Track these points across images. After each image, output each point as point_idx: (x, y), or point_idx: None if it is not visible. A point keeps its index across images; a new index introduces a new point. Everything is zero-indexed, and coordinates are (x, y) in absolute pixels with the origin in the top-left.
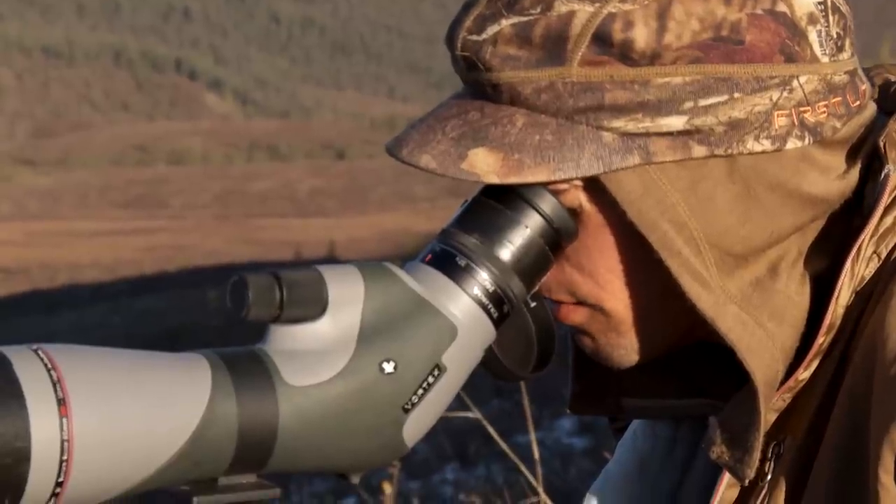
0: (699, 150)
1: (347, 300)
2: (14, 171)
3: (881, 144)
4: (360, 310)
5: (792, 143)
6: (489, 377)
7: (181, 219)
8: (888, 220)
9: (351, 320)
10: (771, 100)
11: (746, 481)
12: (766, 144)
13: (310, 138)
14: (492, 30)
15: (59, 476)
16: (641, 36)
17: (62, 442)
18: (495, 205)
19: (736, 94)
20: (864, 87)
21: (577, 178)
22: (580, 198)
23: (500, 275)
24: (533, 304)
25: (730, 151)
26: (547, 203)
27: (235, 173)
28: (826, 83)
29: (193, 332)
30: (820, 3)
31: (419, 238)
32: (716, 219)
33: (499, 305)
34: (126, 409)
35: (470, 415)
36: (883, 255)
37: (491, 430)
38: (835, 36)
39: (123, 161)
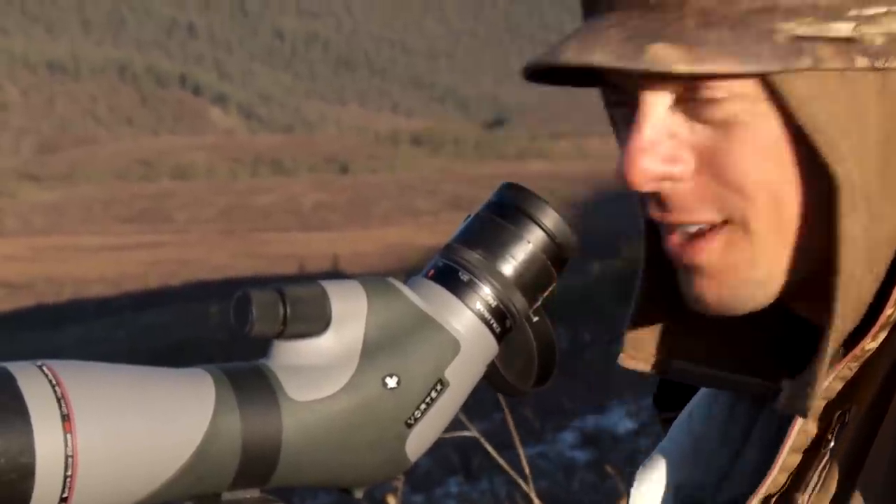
0: (861, 61)
1: (351, 315)
2: (19, 187)
3: None
4: (364, 325)
5: None
6: (492, 389)
7: (185, 233)
8: None
9: (354, 335)
10: None
11: (806, 414)
12: None
13: (314, 153)
14: None
15: (63, 492)
16: None
17: (66, 458)
18: (498, 220)
19: (893, 8)
20: None
21: (758, 73)
22: (735, 108)
23: (503, 290)
24: (535, 319)
25: (887, 65)
26: (549, 218)
27: (240, 188)
28: None
29: (198, 346)
30: None
31: (422, 252)
32: (868, 133)
33: (501, 320)
34: (130, 425)
35: (468, 433)
36: None
37: (487, 445)
38: None
39: (128, 176)
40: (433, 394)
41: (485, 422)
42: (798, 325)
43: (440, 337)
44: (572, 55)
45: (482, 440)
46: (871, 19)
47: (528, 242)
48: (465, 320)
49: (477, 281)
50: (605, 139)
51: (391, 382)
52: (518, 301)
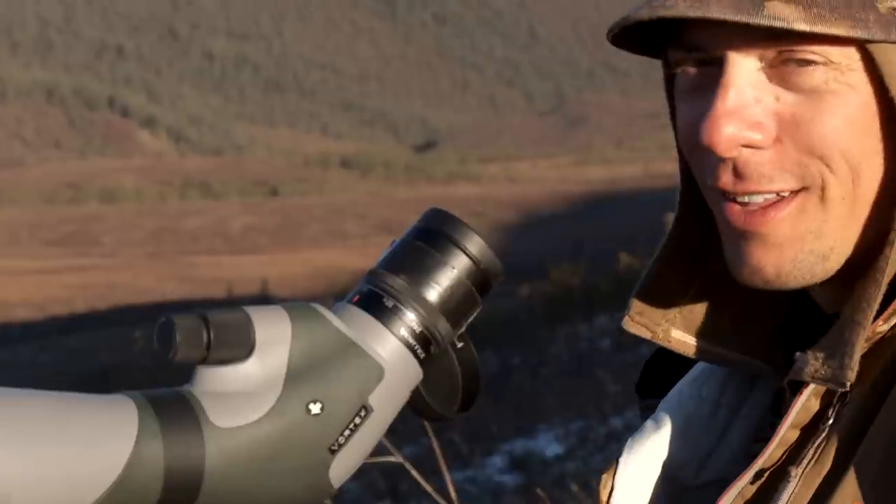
0: None
1: (275, 341)
2: None
3: None
4: (288, 351)
5: None
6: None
7: (113, 257)
8: None
9: (278, 361)
10: None
11: (848, 385)
12: None
13: (243, 175)
14: None
15: None
16: None
17: None
18: (423, 246)
19: None
20: None
21: (865, 41)
22: (826, 76)
23: (427, 316)
24: (459, 345)
25: None
26: (474, 244)
27: (168, 211)
28: None
29: (124, 370)
30: None
31: (352, 275)
32: None
33: (426, 346)
34: (51, 452)
35: (392, 459)
36: None
37: (413, 472)
38: None
39: (55, 199)
40: (357, 420)
41: (413, 446)
42: (804, 313)
43: (364, 363)
44: (686, 7)
45: (408, 466)
46: None
47: (453, 268)
48: (390, 346)
49: (401, 307)
50: (533, 163)
51: (315, 408)
52: (442, 327)
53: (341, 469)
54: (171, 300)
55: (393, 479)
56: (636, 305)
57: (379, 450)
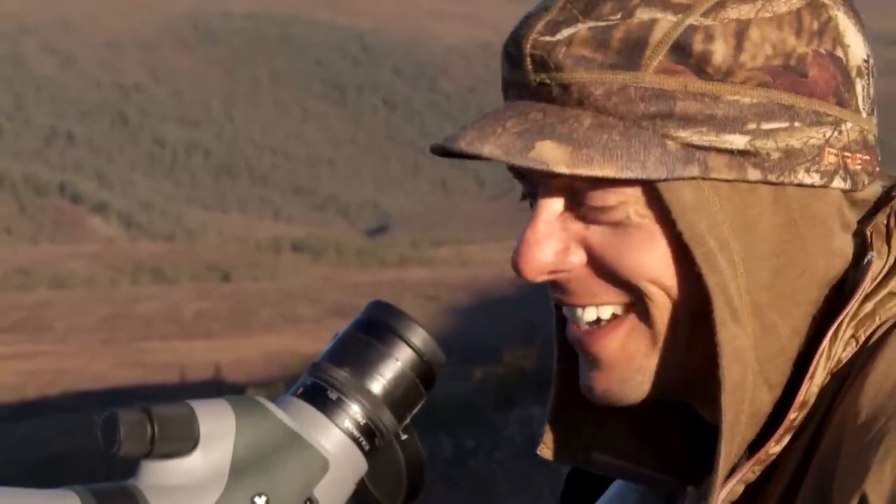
0: (753, 174)
1: (219, 435)
2: None
3: (868, 233)
4: (232, 444)
5: (837, 183)
6: None
7: (65, 342)
8: (868, 307)
9: (222, 455)
10: (824, 136)
11: None
12: (816, 178)
13: (195, 261)
14: (567, 32)
15: None
16: (720, 51)
17: None
18: (366, 338)
19: (796, 124)
20: (878, 159)
21: (641, 180)
22: (628, 211)
23: (372, 408)
24: (404, 437)
25: (781, 179)
26: (417, 336)
27: (120, 296)
28: (863, 137)
29: (77, 457)
30: (865, 61)
31: (304, 359)
32: (755, 245)
33: (370, 438)
34: None
35: None
36: (861, 340)
37: None
38: (871, 97)
39: (5, 285)
40: None
41: None
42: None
43: (309, 455)
44: (465, 144)
45: None
46: (769, 134)
47: (397, 360)
48: (334, 438)
49: (345, 399)
50: (484, 246)
51: (260, 502)
52: (387, 419)
53: None
54: (124, 386)
55: None
56: (549, 433)
57: None
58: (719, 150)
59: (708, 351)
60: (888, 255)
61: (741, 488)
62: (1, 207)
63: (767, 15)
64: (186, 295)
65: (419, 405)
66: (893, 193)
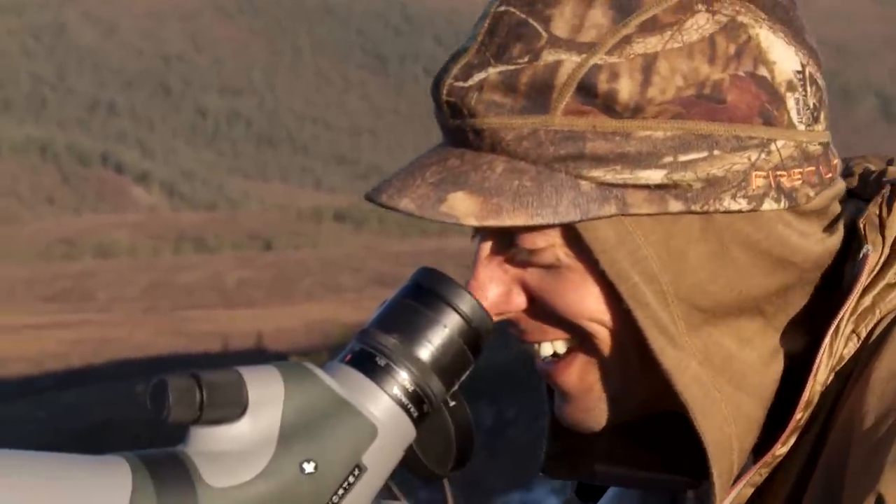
0: (675, 205)
1: (267, 401)
2: None
3: (861, 226)
4: (280, 410)
5: (768, 205)
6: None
7: (108, 312)
8: (867, 300)
9: (271, 421)
10: (749, 160)
11: None
12: (743, 204)
13: (237, 230)
14: (478, 77)
15: None
16: (626, 88)
17: None
18: (414, 305)
19: (715, 152)
20: (836, 161)
21: (554, 225)
22: (557, 253)
23: (420, 374)
24: (452, 403)
25: (706, 208)
26: (465, 303)
27: (163, 265)
28: (801, 151)
29: (121, 425)
30: (799, 73)
31: (346, 328)
32: (686, 273)
33: (418, 405)
34: None
35: None
36: (863, 335)
37: None
38: (811, 106)
39: (50, 255)
40: (351, 479)
41: (410, 499)
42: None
43: (357, 422)
44: (386, 198)
45: None
46: (687, 165)
47: (445, 327)
48: (382, 405)
49: (394, 366)
50: None
51: (308, 468)
52: (435, 385)
53: None
54: (166, 355)
55: None
56: (550, 453)
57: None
58: (636, 187)
59: (662, 376)
60: (883, 246)
61: (749, 491)
62: (44, 178)
63: (676, 45)
64: (228, 264)
65: (467, 372)
66: (884, 181)
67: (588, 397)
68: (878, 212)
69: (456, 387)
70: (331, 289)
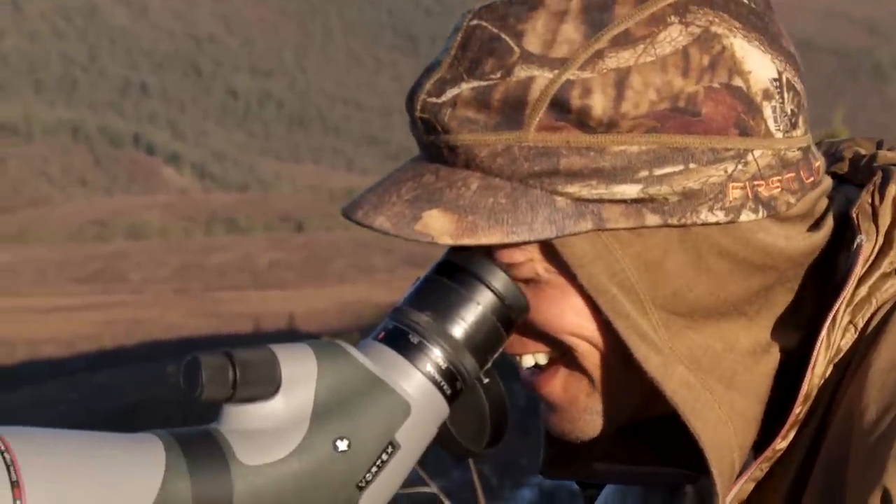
0: (652, 219)
1: (300, 379)
2: None
3: (854, 215)
4: (314, 388)
5: (746, 216)
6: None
7: (140, 293)
8: (863, 290)
9: (304, 399)
10: (726, 172)
11: None
12: (720, 216)
13: (268, 211)
14: (451, 93)
15: None
16: (599, 103)
17: None
18: (447, 282)
19: (691, 165)
20: (818, 163)
21: (530, 242)
22: (536, 268)
23: (453, 352)
24: (486, 381)
25: (683, 221)
26: (498, 280)
27: (194, 247)
28: (780, 158)
29: (152, 406)
30: (775, 80)
31: (378, 309)
32: (664, 283)
33: (452, 382)
34: (80, 491)
35: (427, 489)
36: (860, 326)
37: (447, 503)
38: (789, 112)
39: (82, 236)
40: (384, 456)
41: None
42: None
43: (391, 399)
44: (362, 215)
45: (443, 497)
46: (663, 179)
47: (478, 304)
48: (416, 383)
49: (427, 343)
50: None
51: (342, 445)
52: (468, 363)
53: None
54: (198, 336)
55: None
56: (549, 455)
57: (411, 481)
58: (612, 201)
59: (650, 383)
60: (877, 235)
61: (751, 486)
62: (76, 159)
63: (649, 59)
64: (260, 245)
65: (500, 349)
66: (874, 166)
67: (573, 408)
68: (870, 200)
69: (489, 364)
70: (362, 270)
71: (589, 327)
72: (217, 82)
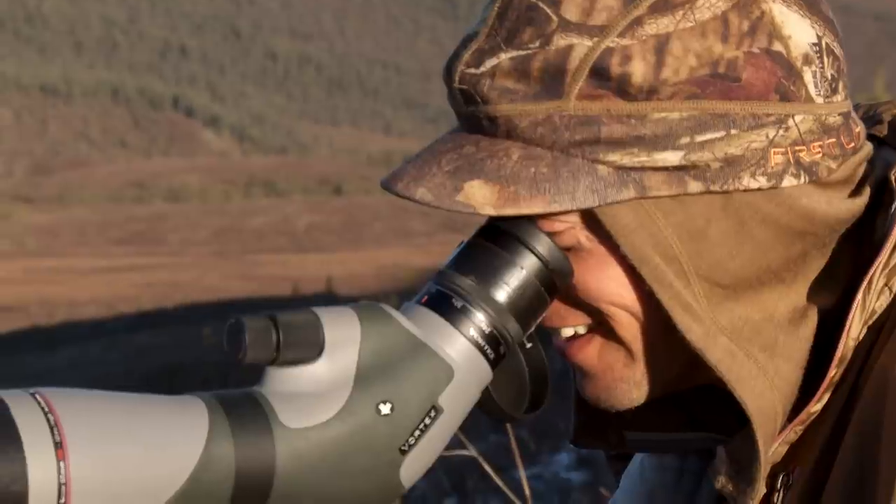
0: (695, 186)
1: (344, 342)
2: (13, 209)
3: (892, 178)
4: (357, 351)
5: (788, 181)
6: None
7: (179, 255)
8: None
9: (347, 362)
10: (767, 137)
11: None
12: (762, 181)
13: (307, 174)
14: (490, 63)
15: None
16: (639, 70)
17: (59, 486)
18: (491, 246)
19: (732, 131)
20: (858, 129)
21: (572, 211)
22: (578, 236)
23: (497, 316)
24: (528, 346)
25: (725, 188)
26: (542, 244)
27: (233, 210)
28: (821, 124)
29: (192, 368)
30: (815, 45)
31: (416, 273)
32: (707, 252)
33: (495, 347)
34: (123, 453)
35: (466, 452)
36: (894, 289)
37: (486, 466)
38: (829, 78)
39: (121, 198)
40: (427, 420)
41: (480, 443)
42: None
43: (434, 363)
44: (402, 187)
45: (482, 461)
46: (705, 145)
47: (522, 269)
48: (459, 346)
49: (470, 307)
50: None
51: (385, 409)
52: (512, 327)
53: (412, 469)
54: (236, 298)
55: (460, 476)
56: (580, 424)
57: (449, 444)
58: (654, 169)
59: (692, 352)
60: None
61: (784, 449)
62: (116, 121)
63: (689, 25)
64: (298, 208)
65: (544, 314)
66: None
67: (607, 376)
68: None
69: (532, 329)
70: (400, 234)
71: (629, 297)
72: (256, 45)
